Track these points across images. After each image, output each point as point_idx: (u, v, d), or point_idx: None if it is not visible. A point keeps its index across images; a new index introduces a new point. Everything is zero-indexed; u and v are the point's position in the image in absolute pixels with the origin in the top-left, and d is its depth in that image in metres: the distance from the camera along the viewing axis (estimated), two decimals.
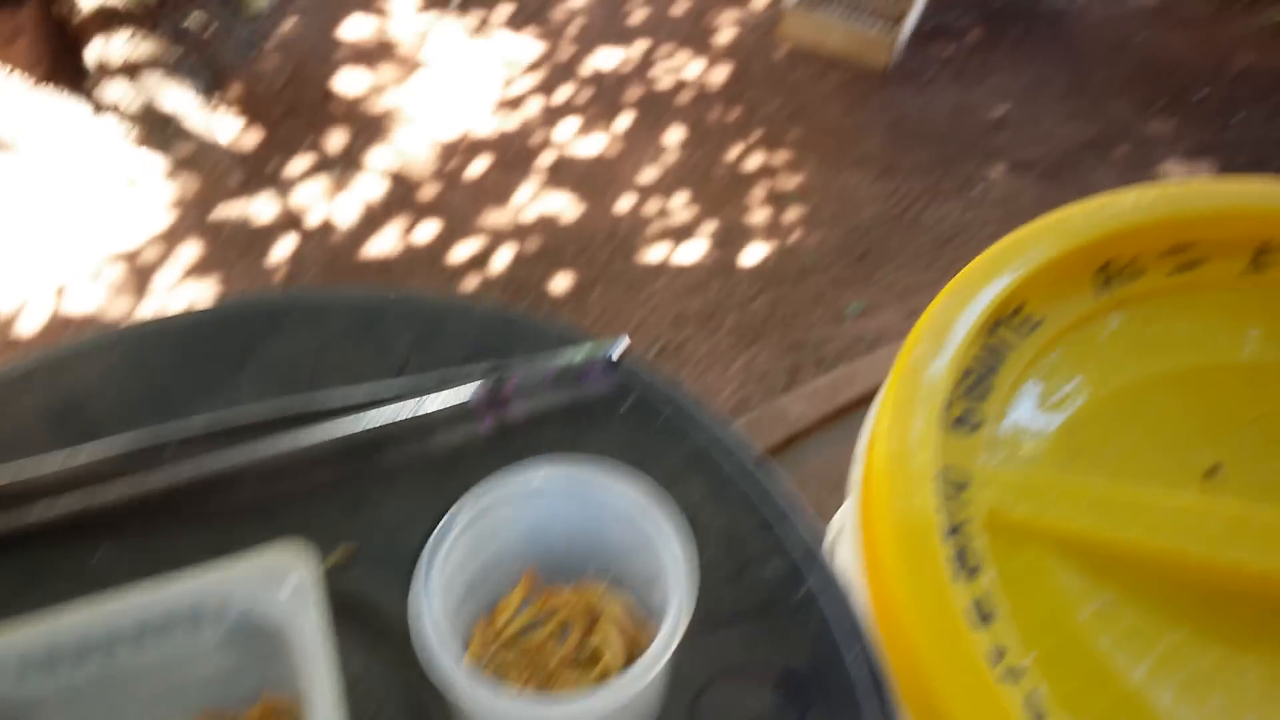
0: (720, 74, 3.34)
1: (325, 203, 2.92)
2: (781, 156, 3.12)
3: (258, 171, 2.96)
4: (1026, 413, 0.96)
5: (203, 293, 2.70)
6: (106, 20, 2.92)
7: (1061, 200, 3.05)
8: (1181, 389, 0.97)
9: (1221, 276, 1.05)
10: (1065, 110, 3.23)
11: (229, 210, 2.88)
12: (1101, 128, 3.17)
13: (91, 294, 2.68)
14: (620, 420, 0.83)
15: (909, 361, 0.96)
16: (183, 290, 2.70)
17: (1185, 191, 1.08)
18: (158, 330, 0.89)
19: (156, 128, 2.94)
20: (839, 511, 1.23)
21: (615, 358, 0.84)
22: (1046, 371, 1.00)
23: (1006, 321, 1.02)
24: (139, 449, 0.78)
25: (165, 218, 2.85)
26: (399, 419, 0.80)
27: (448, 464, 0.80)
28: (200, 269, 2.75)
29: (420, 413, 0.81)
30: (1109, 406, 0.97)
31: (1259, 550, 0.84)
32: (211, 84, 3.06)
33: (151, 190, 2.90)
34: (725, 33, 3.47)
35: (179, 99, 2.99)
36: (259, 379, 0.85)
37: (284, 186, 2.94)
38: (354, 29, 3.37)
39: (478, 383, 0.82)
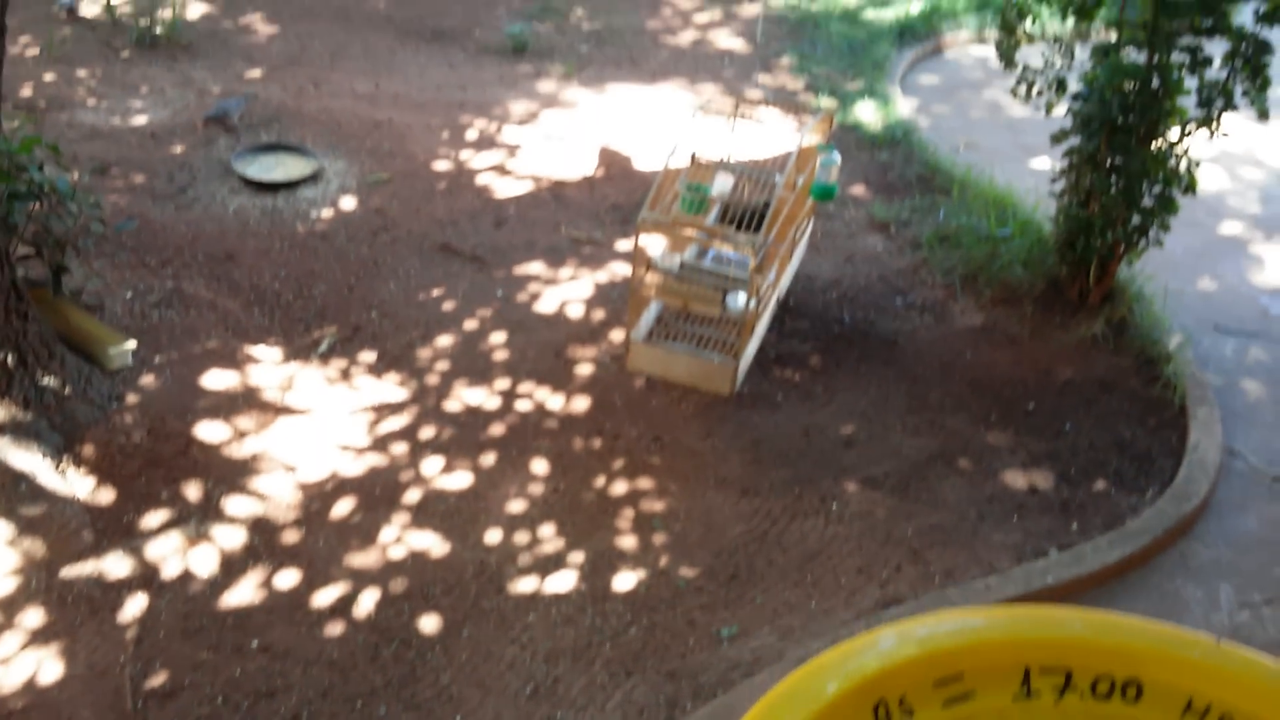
0: (581, 404, 3.47)
1: (181, 556, 2.83)
2: (645, 482, 3.19)
3: (111, 528, 2.87)
4: None
5: (45, 658, 2.52)
6: None
7: (915, 513, 3.18)
8: None
9: (994, 706, 1.07)
10: (908, 426, 3.44)
11: (78, 570, 2.75)
12: (944, 441, 3.38)
13: None
14: None
15: None
16: (23, 658, 2.52)
17: (947, 622, 1.12)
18: None
19: (4, 491, 2.84)
20: None
21: None
22: None
23: None
24: None
25: (6, 584, 2.70)
26: None
27: None
28: (44, 635, 2.59)
29: None
30: None
31: None
32: (66, 442, 3.01)
33: None
34: (583, 366, 3.63)
35: (29, 460, 2.92)
36: None
37: (138, 542, 2.84)
38: (216, 380, 3.40)
39: None
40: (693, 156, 3.66)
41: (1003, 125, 5.53)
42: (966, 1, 6.59)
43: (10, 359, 2.97)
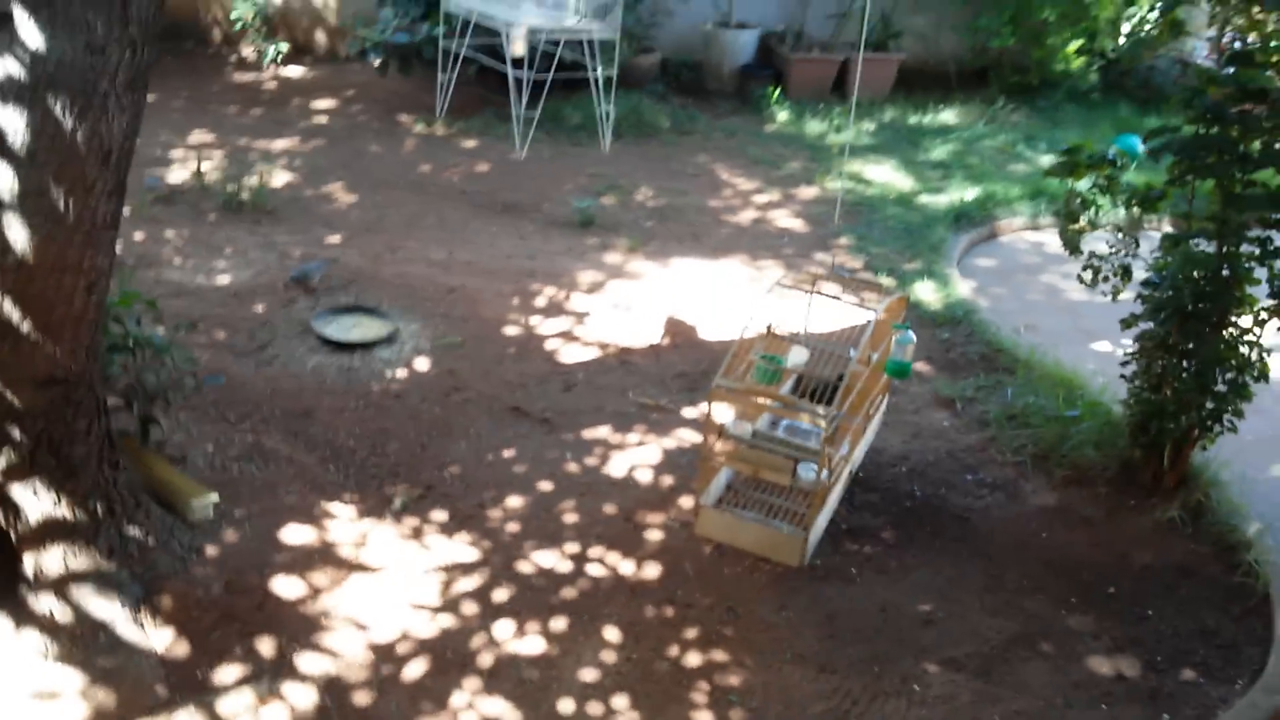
0: (652, 571, 3.44)
1: (252, 715, 2.78)
2: (719, 654, 3.13)
3: (184, 683, 2.84)
4: None
5: None
6: (48, 531, 2.93)
7: (999, 697, 3.10)
8: None
9: None
10: (987, 606, 3.37)
11: None
12: (1024, 622, 3.31)
13: None
14: None
15: None
16: None
17: None
18: None
19: (81, 641, 2.84)
20: None
21: None
22: None
23: None
24: None
25: None
26: None
27: None
28: None
29: None
30: None
31: None
32: (146, 593, 3.02)
33: (67, 708, 2.73)
34: (653, 532, 3.62)
35: (109, 610, 2.93)
36: None
37: (210, 698, 2.81)
38: (293, 535, 3.42)
39: None
40: (768, 328, 3.74)
41: (1061, 308, 5.62)
42: (1020, 190, 6.80)
43: (99, 508, 3.02)
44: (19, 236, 2.65)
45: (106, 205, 2.75)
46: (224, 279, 5.05)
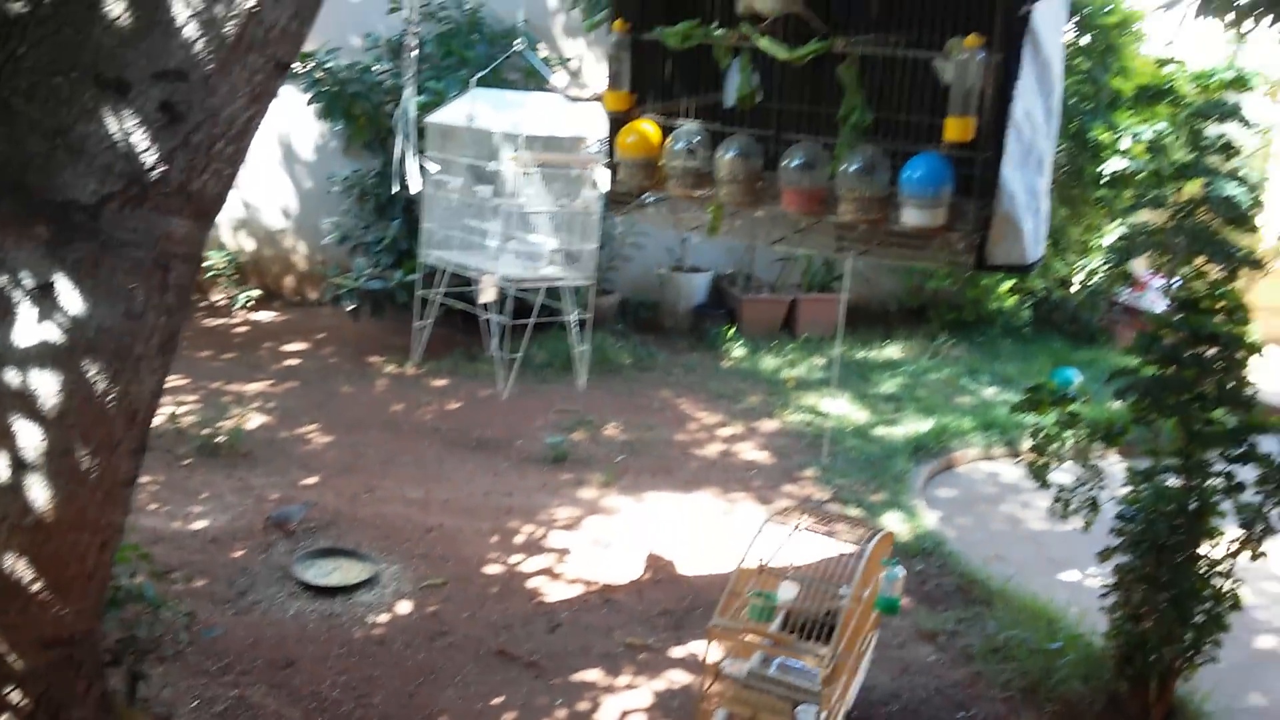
0: None
1: None
2: None
3: None
4: None
5: None
6: None
7: None
8: None
9: None
10: None
11: None
12: None
13: None
14: None
15: None
16: None
17: None
18: None
19: None
20: None
21: None
22: None
23: None
24: None
25: None
26: None
27: None
28: None
29: None
30: None
31: None
32: None
33: None
34: None
35: None
36: None
37: None
38: None
39: None
40: (760, 564, 3.81)
41: (1025, 538, 5.78)
42: (971, 421, 7.10)
43: None
44: (41, 496, 2.67)
45: (129, 463, 2.80)
46: (201, 524, 5.02)
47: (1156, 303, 9.03)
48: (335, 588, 4.57)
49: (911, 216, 2.46)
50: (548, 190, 7.18)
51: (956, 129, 2.37)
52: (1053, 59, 2.54)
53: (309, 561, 4.74)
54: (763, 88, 2.88)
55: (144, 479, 5.41)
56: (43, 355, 2.68)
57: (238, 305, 8.32)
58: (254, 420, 6.32)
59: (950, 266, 3.01)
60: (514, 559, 4.99)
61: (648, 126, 2.96)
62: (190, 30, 2.50)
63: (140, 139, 2.53)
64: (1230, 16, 4.62)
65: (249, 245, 8.83)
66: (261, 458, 5.84)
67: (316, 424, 6.39)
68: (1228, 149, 3.97)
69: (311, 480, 5.63)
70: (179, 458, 5.72)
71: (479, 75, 7.08)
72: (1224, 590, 3.63)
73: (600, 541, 5.22)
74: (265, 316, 8.37)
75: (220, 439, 5.85)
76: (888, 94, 2.64)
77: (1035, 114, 2.49)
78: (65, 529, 2.72)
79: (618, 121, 3.03)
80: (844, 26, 2.72)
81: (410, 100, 6.26)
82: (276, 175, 8.73)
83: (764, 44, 2.66)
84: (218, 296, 8.56)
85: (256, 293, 8.39)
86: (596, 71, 9.16)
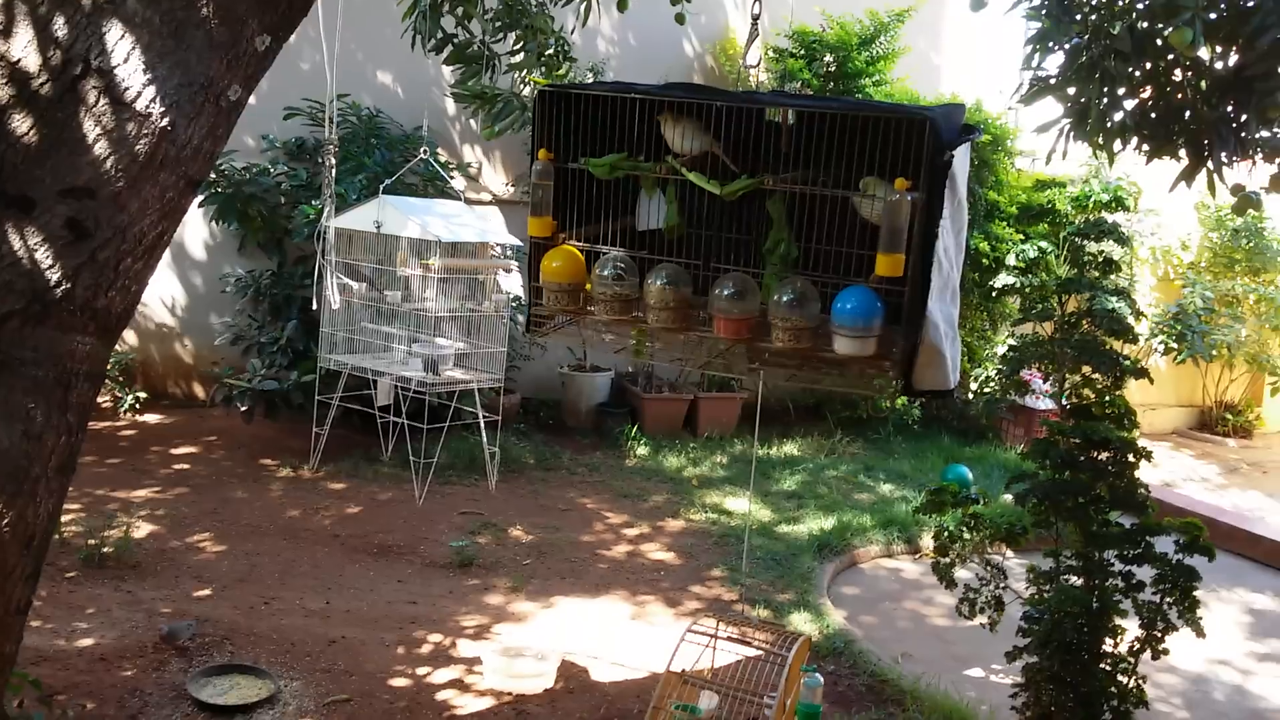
0: None
1: None
2: None
3: None
4: None
5: None
6: None
7: None
8: None
9: None
10: None
11: None
12: None
13: None
14: None
15: None
16: None
17: None
18: None
19: None
20: None
21: None
22: None
23: None
24: None
25: None
26: None
27: None
28: None
29: None
30: None
31: None
32: None
33: None
34: None
35: None
36: None
37: None
38: None
39: None
40: (681, 674, 3.79)
41: (929, 634, 5.87)
42: (871, 519, 7.24)
43: None
44: None
45: (23, 590, 2.65)
46: (87, 641, 4.75)
47: (1040, 401, 9.45)
48: (233, 707, 4.35)
49: (844, 346, 2.55)
50: (454, 294, 7.18)
51: (887, 265, 2.48)
52: (964, 198, 2.70)
53: (204, 680, 4.51)
54: (682, 218, 2.98)
55: None
56: None
57: (123, 407, 8.03)
58: (142, 529, 6.05)
59: (871, 392, 3.11)
60: (421, 671, 4.84)
61: (572, 252, 3.02)
62: (100, 148, 2.44)
63: (44, 256, 2.44)
64: (1100, 139, 4.96)
65: (135, 344, 8.56)
66: (151, 569, 5.58)
67: (209, 532, 6.15)
68: (1109, 265, 4.23)
69: (205, 592, 5.39)
70: (62, 570, 5.43)
71: (386, 183, 7.09)
72: (1129, 687, 3.75)
73: (510, 650, 5.10)
74: (153, 419, 8.08)
75: (106, 549, 5.57)
76: (808, 227, 2.76)
77: (950, 249, 2.63)
78: None
79: (540, 247, 3.07)
80: (753, 166, 2.85)
81: (329, 219, 6.19)
82: (164, 274, 8.52)
83: (694, 178, 2.75)
84: (102, 398, 8.23)
85: (143, 394, 8.11)
86: (495, 177, 9.29)
